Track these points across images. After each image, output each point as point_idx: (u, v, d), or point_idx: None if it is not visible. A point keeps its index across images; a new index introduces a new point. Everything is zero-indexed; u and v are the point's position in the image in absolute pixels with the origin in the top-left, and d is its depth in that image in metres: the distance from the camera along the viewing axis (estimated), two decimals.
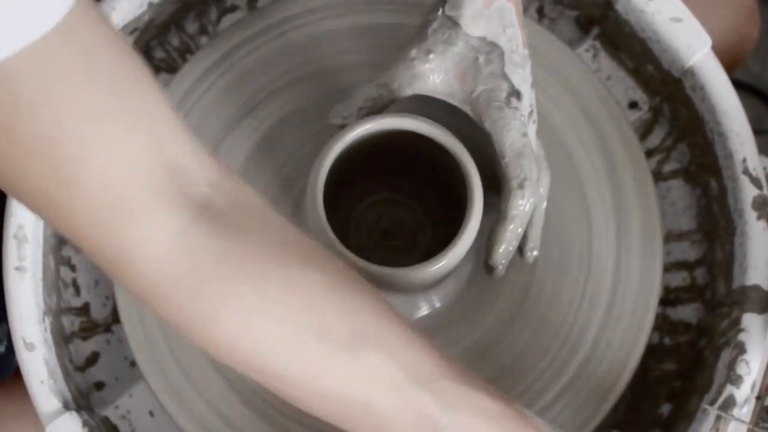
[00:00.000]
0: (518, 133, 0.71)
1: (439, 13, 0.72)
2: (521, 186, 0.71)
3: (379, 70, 0.74)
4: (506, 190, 0.71)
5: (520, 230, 0.73)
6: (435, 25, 0.72)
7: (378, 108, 0.75)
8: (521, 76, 0.73)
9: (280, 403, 0.82)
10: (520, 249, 0.77)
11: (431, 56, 0.72)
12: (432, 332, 0.83)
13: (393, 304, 0.81)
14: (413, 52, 0.73)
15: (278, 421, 0.82)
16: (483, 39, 0.71)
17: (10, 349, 0.91)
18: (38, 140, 0.51)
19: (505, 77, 0.71)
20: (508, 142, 0.71)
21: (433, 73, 0.72)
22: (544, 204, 0.79)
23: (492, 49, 0.72)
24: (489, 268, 0.75)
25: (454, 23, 0.71)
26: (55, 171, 0.52)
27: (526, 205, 0.71)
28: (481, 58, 0.71)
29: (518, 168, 0.71)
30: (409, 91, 0.73)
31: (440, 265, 0.68)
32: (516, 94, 0.72)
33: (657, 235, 0.86)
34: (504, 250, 0.73)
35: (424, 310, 0.83)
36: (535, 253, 0.78)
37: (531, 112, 0.74)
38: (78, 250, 0.91)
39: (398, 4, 0.89)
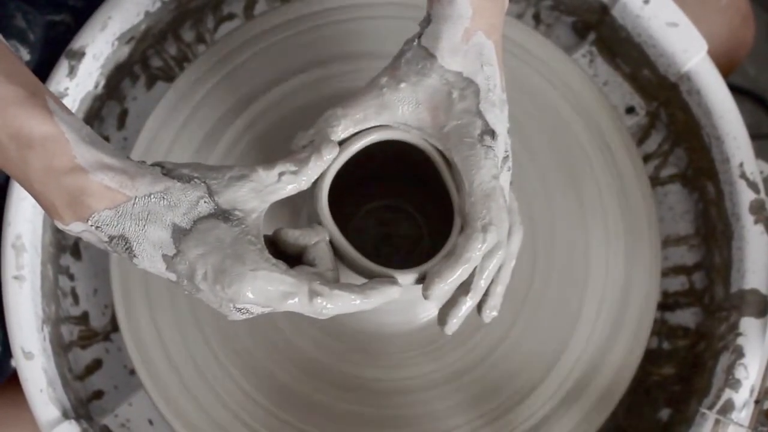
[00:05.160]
0: (488, 174, 0.66)
1: (415, 43, 0.69)
2: (484, 229, 0.65)
3: (348, 97, 0.70)
4: (467, 231, 0.65)
5: (483, 283, 0.67)
6: (409, 54, 0.69)
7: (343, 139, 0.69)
8: (497, 117, 0.68)
9: (279, 410, 0.82)
10: (479, 306, 0.71)
11: (402, 85, 0.68)
12: (435, 336, 0.83)
13: (400, 308, 0.81)
14: (384, 80, 0.69)
15: (279, 428, 0.82)
16: (459, 74, 0.68)
17: (4, 355, 0.91)
18: None
19: (480, 114, 0.67)
20: (477, 181, 0.66)
21: (403, 104, 0.68)
22: (513, 263, 0.72)
23: (467, 85, 0.68)
24: (441, 321, 0.69)
25: (429, 54, 0.68)
26: None
27: (487, 252, 0.65)
28: (456, 93, 0.68)
29: (484, 209, 0.65)
30: (375, 122, 0.69)
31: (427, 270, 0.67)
32: (490, 132, 0.67)
33: (655, 239, 0.86)
34: (441, 288, 0.65)
35: (428, 314, 0.83)
36: (494, 313, 0.71)
37: (506, 158, 0.69)
38: (77, 259, 0.91)
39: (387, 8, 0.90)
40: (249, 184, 0.66)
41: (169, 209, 0.64)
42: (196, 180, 0.65)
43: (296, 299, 0.64)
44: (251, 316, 0.65)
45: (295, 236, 0.67)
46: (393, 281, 0.66)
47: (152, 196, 0.64)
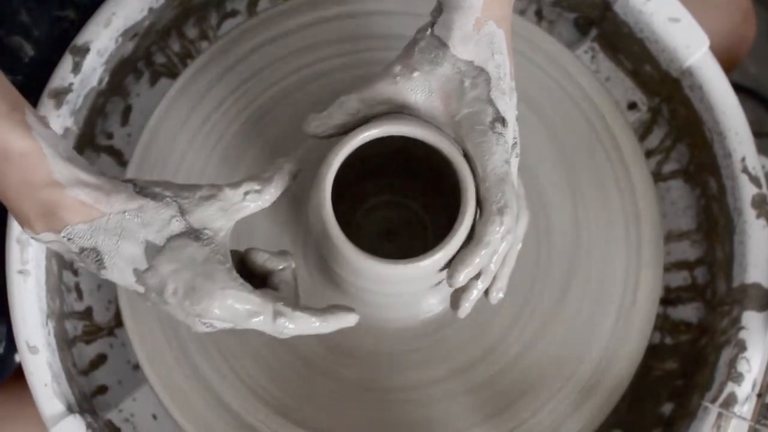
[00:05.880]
0: (501, 159, 0.68)
1: (428, 32, 0.71)
2: (501, 212, 0.67)
3: (362, 84, 0.72)
4: (484, 216, 0.68)
5: (493, 266, 0.69)
6: (423, 43, 0.70)
7: (355, 123, 0.72)
8: (507, 104, 0.70)
9: (282, 406, 0.82)
10: (486, 289, 0.73)
11: (415, 74, 0.70)
12: (436, 333, 0.84)
13: (404, 304, 0.82)
14: (397, 68, 0.71)
15: (283, 425, 0.82)
16: (470, 63, 0.70)
17: (9, 350, 0.91)
18: None
19: (491, 102, 0.69)
20: (490, 166, 0.68)
21: (416, 92, 0.70)
22: (519, 246, 0.75)
23: (479, 73, 0.70)
24: (454, 306, 0.72)
25: (442, 43, 0.70)
26: None
27: (503, 233, 0.68)
28: (467, 82, 0.69)
29: (499, 193, 0.68)
30: (388, 108, 0.71)
31: (434, 259, 0.68)
32: (501, 120, 0.69)
33: (657, 235, 0.86)
34: (467, 274, 0.68)
35: (431, 310, 0.83)
36: (500, 295, 0.74)
37: (515, 145, 0.71)
38: None
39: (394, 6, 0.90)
40: (217, 203, 0.69)
41: (143, 227, 0.67)
42: (168, 199, 0.68)
43: (261, 318, 0.67)
44: (214, 330, 0.69)
45: (263, 259, 0.71)
46: (350, 309, 0.70)
47: (126, 214, 0.67)
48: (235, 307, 0.67)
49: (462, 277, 0.68)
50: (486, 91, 0.69)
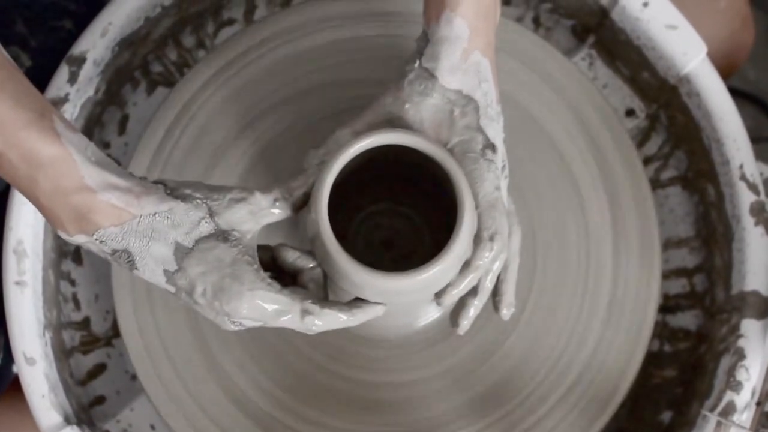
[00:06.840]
0: (492, 185, 0.70)
1: (416, 64, 0.72)
2: (491, 238, 0.70)
3: (355, 117, 0.74)
4: (475, 242, 0.70)
5: (488, 284, 0.72)
6: (411, 76, 0.72)
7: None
8: (495, 130, 0.72)
9: (280, 415, 0.82)
10: (496, 306, 0.76)
11: (407, 106, 0.72)
12: (434, 339, 0.84)
13: (402, 311, 0.82)
14: (389, 101, 0.73)
15: None
16: (459, 92, 0.72)
17: (7, 362, 0.91)
18: None
19: (481, 130, 0.71)
20: (482, 193, 0.70)
21: (408, 123, 0.72)
22: (517, 261, 0.76)
23: (468, 102, 0.72)
24: (453, 323, 0.74)
25: (430, 75, 0.72)
26: None
27: (494, 258, 0.70)
28: (457, 111, 0.72)
29: (490, 219, 0.70)
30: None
31: (432, 272, 0.68)
32: (491, 146, 0.71)
33: (655, 242, 0.86)
34: (455, 295, 0.71)
35: (427, 318, 0.83)
36: (512, 310, 0.76)
37: (503, 167, 0.73)
38: (78, 265, 0.91)
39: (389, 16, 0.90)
40: (247, 207, 0.70)
41: (173, 228, 0.68)
42: (198, 201, 0.69)
43: (289, 316, 0.69)
44: (243, 328, 0.70)
45: (294, 257, 0.72)
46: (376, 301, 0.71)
47: (157, 215, 0.67)
48: (263, 306, 0.68)
49: (449, 299, 0.71)
50: (475, 119, 0.71)
